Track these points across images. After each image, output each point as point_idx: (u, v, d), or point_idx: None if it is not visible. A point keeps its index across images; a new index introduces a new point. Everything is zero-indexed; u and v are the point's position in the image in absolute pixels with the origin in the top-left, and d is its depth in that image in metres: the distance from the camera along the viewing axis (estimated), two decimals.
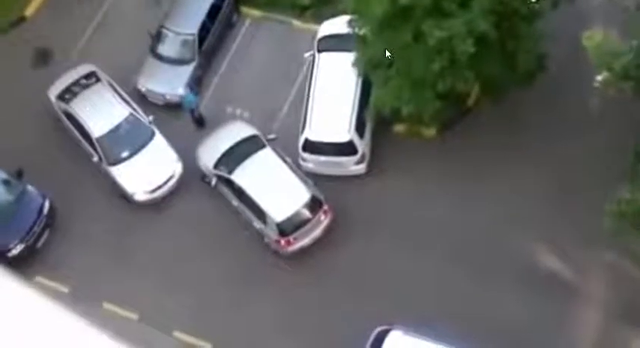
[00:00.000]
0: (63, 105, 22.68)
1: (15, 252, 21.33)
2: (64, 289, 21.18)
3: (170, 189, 22.10)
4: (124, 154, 22.13)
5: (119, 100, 22.49)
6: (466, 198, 21.17)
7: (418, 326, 18.89)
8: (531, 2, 18.96)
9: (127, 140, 22.12)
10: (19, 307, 7.39)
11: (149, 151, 22.12)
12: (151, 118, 22.51)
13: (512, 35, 19.35)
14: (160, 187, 21.99)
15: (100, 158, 22.15)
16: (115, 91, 22.72)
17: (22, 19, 24.95)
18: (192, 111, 23.00)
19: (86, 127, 22.21)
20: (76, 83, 22.84)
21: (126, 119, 22.19)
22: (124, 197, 22.13)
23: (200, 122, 23.06)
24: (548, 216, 20.63)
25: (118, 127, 22.12)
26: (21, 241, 21.36)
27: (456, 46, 18.48)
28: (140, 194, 21.95)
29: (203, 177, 21.97)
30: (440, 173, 21.53)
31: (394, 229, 21.08)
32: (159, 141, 22.27)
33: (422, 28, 18.65)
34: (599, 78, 18.11)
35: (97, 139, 22.08)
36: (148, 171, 21.93)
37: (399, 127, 22.26)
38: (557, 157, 21.29)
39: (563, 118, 21.71)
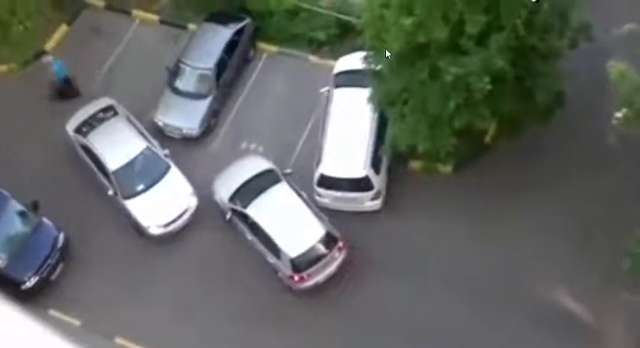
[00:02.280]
0: (80, 138, 22.79)
1: (29, 284, 21.28)
2: (77, 323, 21.08)
3: (185, 223, 22.02)
4: (139, 188, 22.12)
5: (136, 133, 22.56)
6: (483, 235, 20.95)
7: None
8: (548, 40, 18.89)
9: (143, 174, 22.13)
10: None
11: (164, 185, 22.10)
12: (166, 151, 22.55)
13: (529, 72, 19.27)
14: (174, 221, 21.92)
15: (116, 192, 22.17)
16: (132, 124, 22.81)
17: (43, 52, 25.21)
18: (61, 80, 22.60)
19: (102, 160, 22.27)
20: (93, 117, 22.94)
21: (142, 153, 22.22)
22: (139, 231, 22.08)
23: (63, 94, 22.75)
24: (567, 255, 20.35)
25: (133, 161, 22.13)
26: (35, 274, 21.32)
27: (473, 84, 18.41)
28: (154, 228, 21.90)
29: (224, 217, 21.66)
30: (456, 210, 21.34)
31: (409, 265, 20.86)
32: (174, 175, 22.26)
33: (438, 64, 18.62)
34: (618, 115, 17.95)
35: (113, 173, 22.11)
36: (163, 205, 21.89)
37: (416, 164, 22.15)
38: (576, 195, 21.05)
39: (582, 155, 21.51)
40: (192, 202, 22.05)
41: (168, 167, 22.30)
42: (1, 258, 21.25)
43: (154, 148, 22.45)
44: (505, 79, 18.77)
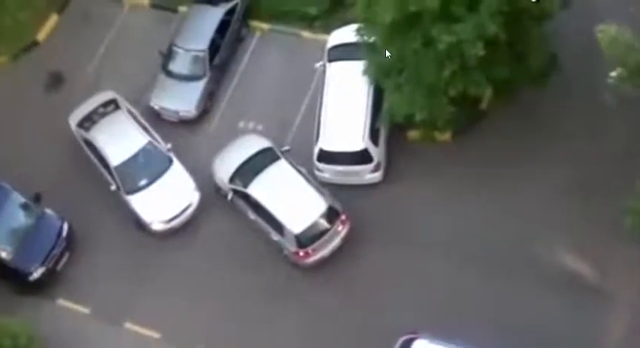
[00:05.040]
0: (83, 133, 22.61)
1: (36, 275, 21.38)
2: (86, 311, 21.21)
3: (187, 218, 21.77)
4: (142, 183, 21.89)
5: (138, 128, 22.33)
6: (484, 201, 20.97)
7: (442, 334, 18.69)
8: (540, 1, 18.79)
9: (145, 169, 21.88)
10: None
11: (167, 180, 21.87)
12: (169, 145, 22.36)
13: (521, 36, 19.19)
14: (176, 217, 21.74)
15: (118, 187, 22.03)
16: (135, 118, 22.57)
17: (35, 43, 25.15)
18: None
19: (105, 155, 22.07)
20: (95, 111, 22.72)
21: (144, 148, 21.98)
22: (140, 226, 21.93)
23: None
24: (569, 215, 20.36)
25: (136, 156, 21.89)
26: (41, 265, 21.41)
27: (466, 51, 18.36)
28: (156, 224, 21.75)
29: (217, 190, 21.96)
30: (456, 178, 21.36)
31: (413, 235, 20.91)
32: (177, 169, 22.00)
33: (431, 33, 18.57)
34: (613, 74, 17.92)
35: (115, 168, 21.92)
36: (166, 200, 21.68)
37: (414, 133, 22.15)
38: (574, 157, 21.04)
39: (578, 117, 21.46)
40: (194, 198, 21.82)
41: (170, 162, 22.07)
42: (7, 250, 21.35)
43: (156, 143, 22.24)
44: (498, 44, 18.72)
